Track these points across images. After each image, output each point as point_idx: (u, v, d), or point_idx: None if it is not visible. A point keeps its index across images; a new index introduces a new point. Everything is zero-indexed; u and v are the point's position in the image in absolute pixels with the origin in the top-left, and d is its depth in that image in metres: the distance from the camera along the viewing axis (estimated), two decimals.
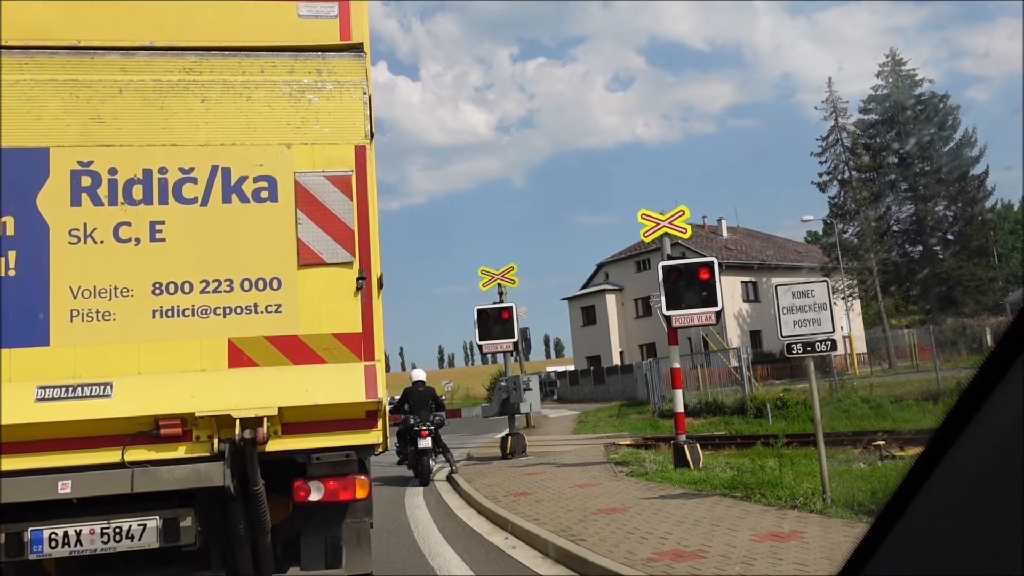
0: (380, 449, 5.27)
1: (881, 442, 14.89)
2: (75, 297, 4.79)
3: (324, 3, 5.41)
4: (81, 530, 4.55)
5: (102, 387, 4.65)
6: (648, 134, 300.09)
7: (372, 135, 5.48)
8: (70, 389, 4.61)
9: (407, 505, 11.79)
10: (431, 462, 14.56)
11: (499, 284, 17.67)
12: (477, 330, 16.64)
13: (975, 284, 48.30)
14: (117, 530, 4.61)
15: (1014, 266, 55.44)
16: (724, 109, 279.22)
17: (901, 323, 52.27)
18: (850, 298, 49.08)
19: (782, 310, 9.00)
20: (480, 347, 16.98)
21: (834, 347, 9.04)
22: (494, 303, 17.13)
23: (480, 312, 16.65)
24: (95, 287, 4.82)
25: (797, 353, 8.97)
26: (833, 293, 16.70)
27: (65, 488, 4.51)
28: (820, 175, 51.67)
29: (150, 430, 4.68)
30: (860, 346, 46.12)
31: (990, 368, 1.02)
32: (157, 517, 4.67)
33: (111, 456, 4.64)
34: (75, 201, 4.87)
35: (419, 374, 15.48)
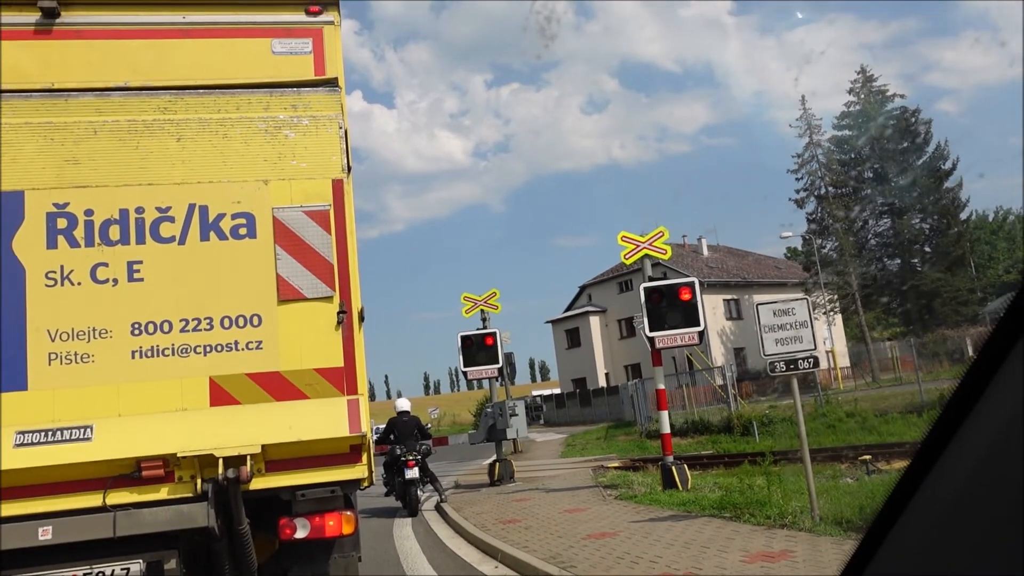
0: (366, 484, 5.24)
1: (867, 457, 14.93)
2: (53, 340, 4.75)
3: (298, 39, 5.44)
4: None
5: (82, 430, 4.61)
6: (624, 155, 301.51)
7: (349, 168, 5.50)
8: (49, 433, 4.56)
9: (395, 536, 11.68)
10: (419, 492, 14.46)
11: (482, 310, 17.68)
12: (461, 357, 16.61)
13: (954, 295, 48.73)
14: (100, 575, 4.55)
15: (992, 276, 56.06)
16: (698, 128, 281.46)
17: (883, 336, 52.65)
18: (831, 313, 49.36)
19: (764, 329, 9.04)
20: (465, 374, 16.94)
21: (816, 364, 9.08)
22: (478, 329, 17.10)
23: (464, 339, 16.62)
24: (73, 329, 4.79)
25: (780, 371, 9.01)
26: (814, 308, 16.80)
27: (46, 534, 4.45)
28: (797, 191, 52.12)
29: (132, 472, 4.63)
30: (843, 360, 46.40)
31: (971, 381, 1.03)
32: (140, 560, 4.61)
33: (92, 500, 4.59)
34: (51, 243, 4.86)
35: (403, 404, 15.36)
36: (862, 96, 50.92)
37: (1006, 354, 0.98)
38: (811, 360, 8.94)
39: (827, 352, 40.76)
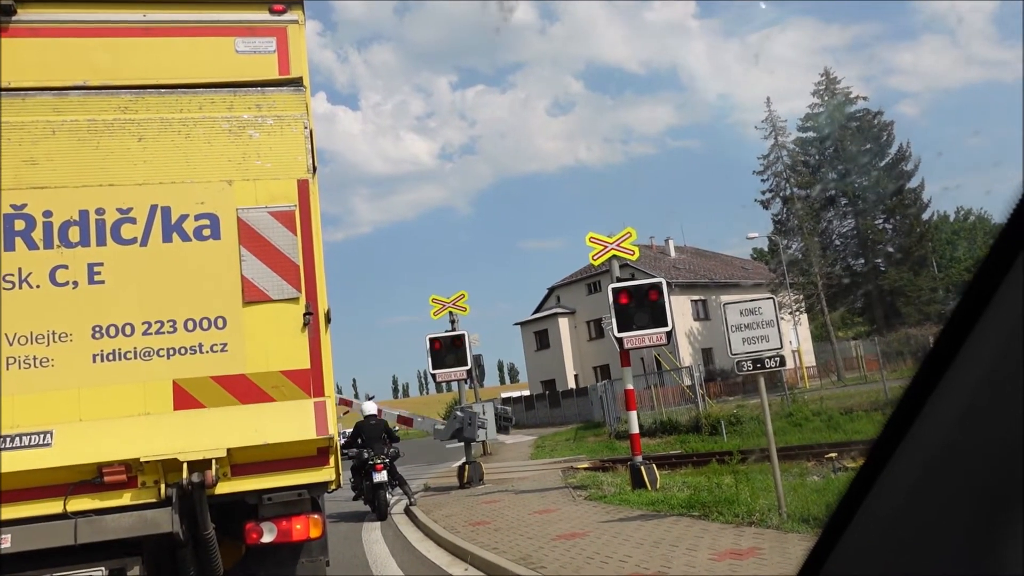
0: (333, 486, 5.19)
1: (833, 454, 15.10)
2: (11, 344, 4.65)
3: (262, 38, 5.38)
4: None
5: (41, 436, 4.52)
6: (591, 157, 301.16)
7: (315, 168, 5.45)
8: (8, 440, 4.46)
9: (364, 540, 11.61)
10: (388, 495, 14.44)
11: (450, 312, 17.62)
12: (430, 359, 16.53)
13: (917, 294, 49.44)
14: None
15: (954, 276, 56.96)
16: (663, 130, 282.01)
17: (848, 335, 53.27)
18: (797, 312, 49.90)
19: (731, 328, 9.09)
20: (434, 376, 16.87)
21: (783, 362, 9.15)
22: (446, 331, 17.06)
23: (432, 341, 16.55)
24: (32, 333, 4.69)
25: (747, 370, 9.07)
26: (780, 308, 16.95)
27: (5, 543, 4.36)
28: (763, 193, 52.66)
29: (93, 478, 4.55)
30: (809, 360, 46.89)
31: (924, 375, 1.03)
32: (103, 568, 4.53)
33: (53, 507, 4.50)
34: (9, 246, 4.76)
35: (370, 407, 15.38)
36: (826, 98, 51.57)
37: (957, 349, 0.98)
38: (778, 359, 9.01)
39: (793, 352, 41.18)
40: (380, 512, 13.95)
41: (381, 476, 14.00)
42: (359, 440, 14.59)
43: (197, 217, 5.05)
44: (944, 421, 1.00)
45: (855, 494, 1.12)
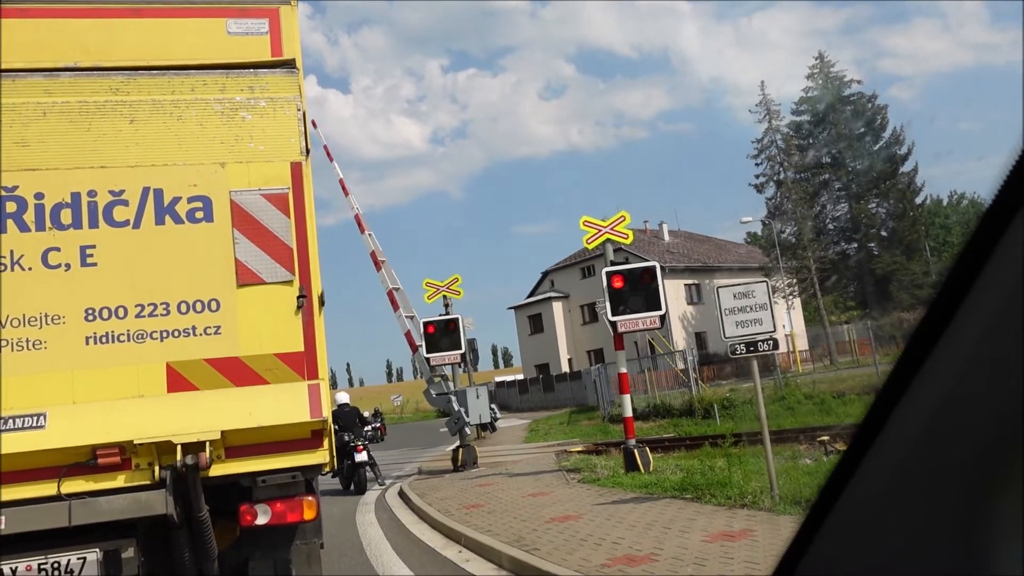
0: (327, 468, 5.20)
1: (825, 437, 15.14)
2: (4, 326, 4.65)
3: (254, 20, 5.34)
4: (17, 567, 4.41)
5: (35, 418, 4.51)
6: (583, 141, 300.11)
7: (308, 151, 5.43)
8: (2, 422, 4.46)
9: (359, 523, 11.66)
10: (367, 473, 15.80)
11: (444, 296, 17.64)
12: (424, 343, 16.60)
13: (910, 278, 49.55)
14: (56, 565, 4.47)
15: (946, 260, 57.06)
16: (656, 114, 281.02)
17: (841, 319, 53.45)
18: (790, 296, 50.00)
19: (724, 311, 9.11)
20: (428, 360, 16.91)
21: (776, 346, 9.18)
22: (440, 315, 17.10)
23: (427, 325, 16.61)
24: (24, 315, 4.68)
25: (740, 353, 9.10)
26: (774, 292, 16.95)
27: (0, 524, 4.36)
28: (757, 176, 52.67)
29: (87, 460, 4.55)
30: (802, 343, 47.06)
31: (906, 362, 1.03)
32: (97, 550, 4.54)
33: (47, 489, 4.50)
34: (0, 228, 4.73)
35: (343, 397, 16.92)
36: (820, 82, 51.48)
37: (946, 325, 0.98)
38: (771, 342, 9.03)
39: (786, 336, 41.31)
40: (360, 488, 15.37)
41: (362, 456, 15.47)
42: (336, 426, 15.16)
43: (190, 199, 5.03)
44: (928, 403, 0.99)
45: (836, 482, 1.11)
